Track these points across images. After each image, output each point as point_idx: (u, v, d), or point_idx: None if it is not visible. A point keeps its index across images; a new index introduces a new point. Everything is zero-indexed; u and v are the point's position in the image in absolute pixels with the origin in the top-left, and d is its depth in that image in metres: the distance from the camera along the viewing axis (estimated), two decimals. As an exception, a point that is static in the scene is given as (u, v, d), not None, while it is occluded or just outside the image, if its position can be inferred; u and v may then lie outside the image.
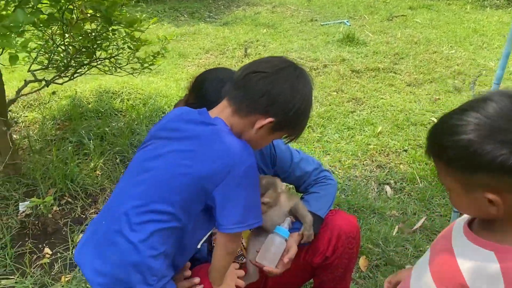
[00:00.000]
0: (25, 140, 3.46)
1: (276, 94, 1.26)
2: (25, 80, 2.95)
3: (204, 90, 1.61)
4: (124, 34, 3.08)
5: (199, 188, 1.23)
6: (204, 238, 1.37)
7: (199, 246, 1.37)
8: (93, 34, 2.95)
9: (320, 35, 6.48)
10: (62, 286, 2.19)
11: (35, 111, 4.00)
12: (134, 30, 2.64)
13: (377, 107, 4.22)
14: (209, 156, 1.23)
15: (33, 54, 3.29)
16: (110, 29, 2.71)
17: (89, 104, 4.11)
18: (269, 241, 1.56)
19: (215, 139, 1.25)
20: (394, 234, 2.61)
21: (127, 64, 3.21)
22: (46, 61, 3.27)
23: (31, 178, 2.86)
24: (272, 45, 6.07)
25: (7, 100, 2.78)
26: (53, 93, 4.00)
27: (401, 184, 3.12)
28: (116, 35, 3.10)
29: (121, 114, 3.98)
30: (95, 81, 4.49)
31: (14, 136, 3.65)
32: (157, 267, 1.24)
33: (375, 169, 3.31)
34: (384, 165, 3.34)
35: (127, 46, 3.11)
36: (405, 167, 3.31)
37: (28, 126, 3.84)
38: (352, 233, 1.68)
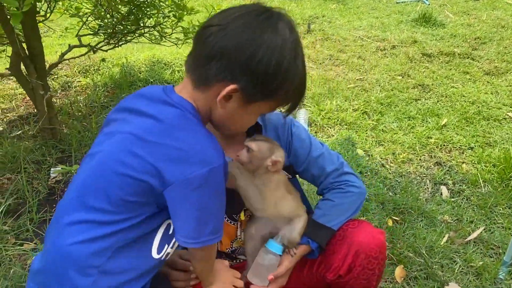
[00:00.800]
0: (73, 105, 3.48)
1: (232, 50, 0.96)
2: (69, 45, 2.92)
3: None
4: (171, 3, 2.93)
5: (147, 185, 0.98)
6: (166, 250, 1.12)
7: (157, 256, 1.10)
8: (139, 0, 2.84)
9: (393, 14, 5.97)
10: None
11: (89, 77, 4.03)
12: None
13: (446, 97, 3.77)
14: (166, 149, 0.97)
15: (84, 19, 3.27)
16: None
17: (140, 73, 4.06)
18: (259, 258, 1.35)
19: (178, 127, 0.99)
20: (442, 243, 2.28)
21: (171, 33, 3.07)
22: (97, 27, 3.23)
23: (67, 144, 2.85)
24: (339, 21, 5.68)
25: (47, 65, 2.76)
26: (103, 60, 3.99)
27: (460, 186, 2.73)
28: (162, 3, 2.96)
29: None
30: (150, 51, 4.44)
31: (66, 100, 3.70)
32: (84, 286, 0.98)
33: (432, 166, 2.94)
34: (443, 162, 2.96)
35: (172, 14, 2.96)
36: (468, 167, 2.91)
37: (80, 91, 3.88)
38: (373, 252, 1.39)
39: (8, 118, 3.45)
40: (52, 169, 2.60)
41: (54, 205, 2.49)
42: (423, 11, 5.60)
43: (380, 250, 1.41)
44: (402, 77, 4.12)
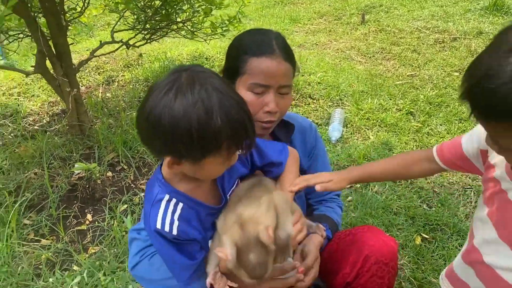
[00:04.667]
0: (114, 99, 3.54)
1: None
2: (100, 41, 2.93)
3: (227, 53, 1.42)
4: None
5: None
6: None
7: None
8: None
9: (461, 1, 5.45)
10: (85, 258, 2.14)
11: (132, 72, 4.08)
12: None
13: (508, 96, 3.34)
14: None
15: (121, 14, 3.28)
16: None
17: (181, 67, 4.04)
18: None
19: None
20: (476, 269, 2.00)
21: (200, 28, 2.99)
22: (133, 22, 3.23)
23: (94, 140, 2.88)
24: (398, 11, 5.28)
25: (77, 62, 2.79)
26: (140, 55, 4.01)
27: (510, 201, 2.39)
28: (192, -3, 2.88)
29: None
30: (193, 45, 4.41)
31: (108, 95, 3.78)
32: None
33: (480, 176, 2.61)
34: (494, 173, 2.61)
35: (201, 9, 2.87)
36: (522, 179, 2.54)
37: (122, 86, 3.94)
38: (384, 258, 1.30)
39: (52, 111, 3.58)
40: (76, 165, 2.63)
41: (75, 202, 2.53)
42: (495, -2, 5.04)
43: (392, 257, 1.31)
44: (460, 74, 3.72)
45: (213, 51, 4.25)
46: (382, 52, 4.22)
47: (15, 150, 2.94)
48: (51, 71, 2.65)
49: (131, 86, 3.86)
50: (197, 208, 1.14)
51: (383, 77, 3.72)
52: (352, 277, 1.33)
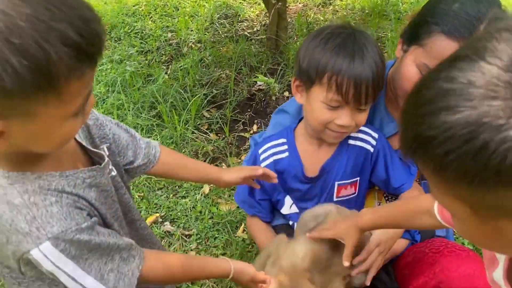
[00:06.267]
0: (321, 23, 3.50)
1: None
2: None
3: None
4: None
5: None
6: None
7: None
8: None
9: None
10: (233, 163, 2.30)
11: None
12: None
13: None
14: None
15: None
16: None
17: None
18: None
19: None
20: None
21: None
22: None
23: (284, 58, 2.93)
24: None
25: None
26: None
27: None
28: None
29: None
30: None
31: (319, 16, 3.74)
32: None
33: None
34: None
35: None
36: None
37: (337, 11, 3.84)
38: None
39: (264, 21, 3.75)
40: (259, 76, 2.75)
41: (249, 110, 2.69)
42: None
43: None
44: None
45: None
46: None
47: (220, 48, 3.22)
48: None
49: (344, 13, 3.72)
50: (294, 167, 1.25)
51: None
52: None
